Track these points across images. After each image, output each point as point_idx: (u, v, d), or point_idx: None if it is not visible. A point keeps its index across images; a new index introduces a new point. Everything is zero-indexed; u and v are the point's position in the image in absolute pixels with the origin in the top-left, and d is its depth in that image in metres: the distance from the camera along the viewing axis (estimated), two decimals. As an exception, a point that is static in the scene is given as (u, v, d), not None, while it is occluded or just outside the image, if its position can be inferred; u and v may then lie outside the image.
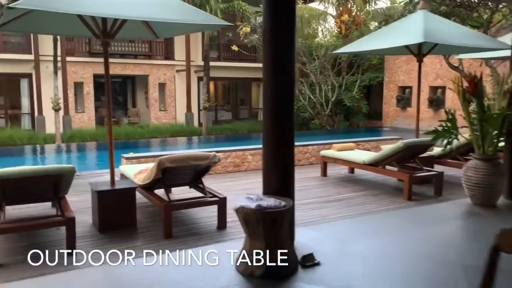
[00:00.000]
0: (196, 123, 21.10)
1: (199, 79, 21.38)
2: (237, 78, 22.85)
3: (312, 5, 18.83)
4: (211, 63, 19.74)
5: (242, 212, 2.74)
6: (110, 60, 18.40)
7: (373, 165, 6.67)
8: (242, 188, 6.79)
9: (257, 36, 17.06)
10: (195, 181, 5.22)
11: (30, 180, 4.05)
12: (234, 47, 17.92)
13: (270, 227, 2.71)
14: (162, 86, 20.97)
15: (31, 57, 17.21)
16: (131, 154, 7.29)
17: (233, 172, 8.01)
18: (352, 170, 7.88)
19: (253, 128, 21.24)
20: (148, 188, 5.05)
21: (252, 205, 2.71)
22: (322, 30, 17.26)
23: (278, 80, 3.16)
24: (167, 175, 4.74)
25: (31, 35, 17.16)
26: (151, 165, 6.09)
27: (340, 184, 7.03)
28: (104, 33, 4.63)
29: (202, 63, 20.64)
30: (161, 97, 21.08)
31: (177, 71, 20.96)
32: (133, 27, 5.25)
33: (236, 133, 20.22)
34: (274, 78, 3.17)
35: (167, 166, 4.61)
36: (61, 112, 16.71)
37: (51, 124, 16.87)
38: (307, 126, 21.03)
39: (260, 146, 8.68)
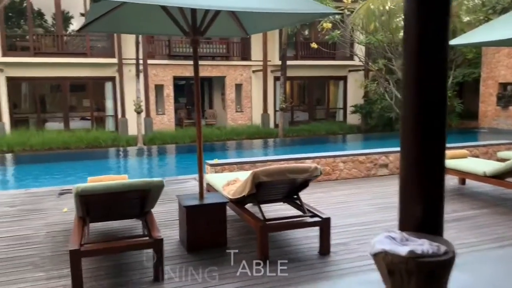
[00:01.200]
0: (272, 124, 20.62)
1: (276, 79, 20.88)
2: (314, 76, 22.04)
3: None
4: (288, 62, 19.14)
5: (386, 259, 2.03)
6: (188, 62, 18.53)
7: (497, 177, 5.59)
8: (336, 201, 6.06)
9: (338, 32, 16.10)
10: (291, 196, 4.58)
11: (115, 196, 3.66)
12: (314, 45, 17.12)
13: (426, 282, 1.97)
14: (238, 87, 20.75)
15: (115, 60, 17.75)
16: (216, 161, 6.84)
17: (323, 181, 7.27)
18: (463, 181, 6.80)
19: (331, 129, 20.33)
20: (239, 202, 4.50)
21: (401, 250, 1.98)
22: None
23: (427, 72, 2.33)
24: (262, 189, 4.15)
25: (115, 39, 17.70)
26: (238, 175, 5.58)
27: (453, 199, 6.02)
28: (194, 30, 4.14)
29: (279, 62, 20.11)
30: (238, 98, 20.87)
31: (254, 71, 20.61)
32: (222, 22, 4.73)
33: (314, 135, 19.45)
34: (422, 69, 2.33)
35: (263, 181, 4.02)
36: (143, 114, 17.05)
37: (134, 126, 17.29)
38: (391, 127, 19.65)
39: (351, 152, 7.90)
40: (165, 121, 19.43)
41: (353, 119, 21.88)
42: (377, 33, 15.31)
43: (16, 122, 17.36)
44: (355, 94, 22.09)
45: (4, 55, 16.45)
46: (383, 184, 7.08)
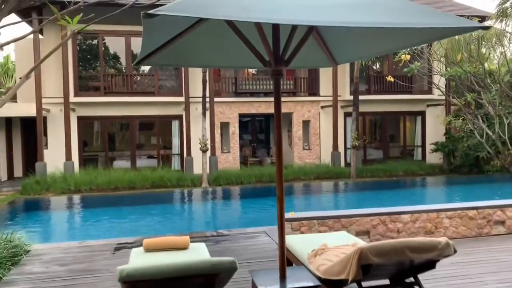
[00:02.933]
0: (342, 163, 19.22)
1: (346, 114, 19.64)
2: (388, 112, 20.50)
3: (488, 23, 15.82)
4: (360, 97, 17.89)
5: None
6: (254, 99, 17.91)
7: None
8: (447, 273, 4.64)
9: (418, 64, 14.67)
10: (405, 279, 3.35)
11: (172, 283, 2.67)
12: (390, 78, 15.80)
13: None
14: (306, 123, 19.74)
15: (182, 99, 17.56)
16: (292, 214, 5.74)
17: (424, 241, 5.87)
18: None
19: (410, 169, 18.51)
20: (334, 284, 3.34)
21: None
22: (502, 52, 14.07)
23: None
24: (370, 272, 2.98)
25: (183, 78, 17.58)
26: (325, 238, 4.44)
27: None
28: (276, 59, 3.19)
29: (349, 97, 18.93)
30: (305, 135, 19.82)
31: (322, 107, 19.55)
32: (307, 49, 3.76)
33: (390, 175, 17.75)
34: None
35: (373, 262, 2.85)
36: (208, 153, 16.50)
37: (199, 164, 16.75)
38: (478, 167, 17.45)
39: (458, 205, 6.41)
40: (230, 159, 18.77)
41: (434, 158, 19.87)
42: (464, 64, 13.71)
43: (85, 161, 17.53)
44: (434, 131, 20.17)
45: (76, 95, 16.83)
46: (506, 249, 5.56)
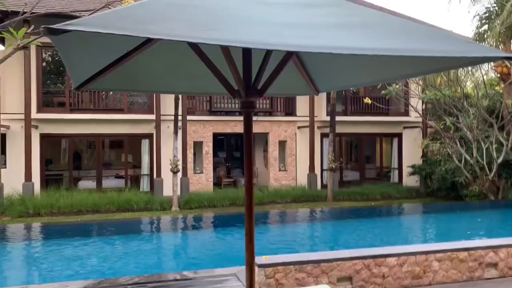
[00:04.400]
0: (319, 185, 18.70)
1: (323, 135, 19.23)
2: (365, 133, 20.21)
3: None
4: (336, 118, 17.51)
5: None
6: (229, 118, 17.22)
7: None
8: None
9: (397, 86, 14.41)
10: None
11: None
12: (367, 100, 15.50)
13: None
14: (282, 144, 19.19)
15: (152, 117, 16.76)
16: (265, 258, 5.06)
17: (412, 287, 5.30)
18: None
19: (387, 192, 18.13)
20: None
21: None
22: (480, 77, 13.98)
23: None
24: None
25: (154, 95, 16.78)
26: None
27: None
28: (247, 88, 2.56)
29: (326, 118, 18.56)
30: (281, 156, 19.25)
31: (299, 127, 19.07)
32: (285, 76, 3.15)
33: (367, 199, 17.31)
34: None
35: None
36: (179, 174, 15.68)
37: (169, 186, 15.90)
38: (456, 192, 17.21)
39: (447, 246, 5.78)
40: (203, 180, 17.97)
41: (410, 180, 19.60)
42: (443, 87, 13.51)
43: (47, 181, 16.40)
44: (411, 153, 19.96)
45: (39, 111, 15.80)
46: (502, 298, 5.02)
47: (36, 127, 15.74)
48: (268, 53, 2.68)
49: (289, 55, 2.64)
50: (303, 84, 3.62)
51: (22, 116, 15.32)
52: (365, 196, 17.58)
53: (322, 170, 19.24)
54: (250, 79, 2.61)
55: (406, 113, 19.87)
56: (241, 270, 6.05)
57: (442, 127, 14.70)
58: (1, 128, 14.81)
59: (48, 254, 9.49)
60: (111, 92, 17.52)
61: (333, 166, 16.83)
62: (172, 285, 5.53)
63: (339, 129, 18.06)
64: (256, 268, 4.94)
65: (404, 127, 20.21)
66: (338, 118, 17.82)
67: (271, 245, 10.29)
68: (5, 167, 15.46)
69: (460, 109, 14.43)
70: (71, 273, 7.93)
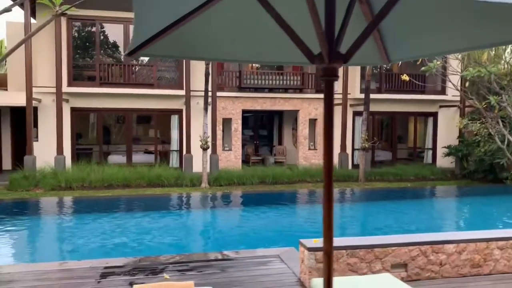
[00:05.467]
0: (350, 165, 18.25)
1: (355, 113, 18.66)
2: (398, 112, 19.52)
3: None
4: (370, 96, 16.88)
5: None
6: (259, 94, 16.82)
7: None
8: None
9: (438, 63, 13.67)
10: None
11: None
12: (405, 77, 14.79)
13: None
14: (312, 122, 18.74)
15: (182, 92, 16.52)
16: (315, 241, 4.75)
17: (471, 276, 4.93)
18: None
19: (421, 173, 17.54)
20: None
21: None
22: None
23: None
24: None
25: (184, 69, 16.51)
26: (362, 283, 3.49)
27: None
28: (331, 52, 2.19)
29: (359, 95, 17.96)
30: (311, 135, 18.83)
31: (331, 105, 18.49)
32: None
33: (400, 179, 16.79)
34: None
35: None
36: (209, 151, 15.50)
37: (198, 162, 15.79)
38: (494, 175, 16.49)
39: (509, 233, 5.42)
40: (232, 157, 17.77)
41: (444, 162, 18.92)
42: (489, 65, 12.70)
43: (78, 155, 16.49)
44: (446, 134, 19.23)
45: (70, 85, 15.76)
46: None
47: (67, 100, 15.74)
48: (350, 10, 2.32)
49: (380, 18, 2.25)
50: (375, 52, 3.21)
51: (53, 90, 15.31)
52: (398, 176, 17.06)
53: (353, 149, 18.77)
54: (333, 42, 2.24)
55: (443, 92, 19.03)
56: (284, 251, 5.80)
57: (484, 106, 13.95)
58: (33, 102, 14.83)
59: (84, 228, 9.48)
60: (138, 67, 17.35)
61: (366, 145, 16.32)
62: (213, 264, 5.32)
63: (371, 107, 17.44)
64: (306, 252, 4.66)
65: (440, 106, 19.42)
66: (372, 96, 17.19)
67: (306, 225, 10.03)
68: (37, 140, 15.57)
69: (504, 87, 13.59)
70: (109, 248, 7.87)
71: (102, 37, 16.93)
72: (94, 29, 16.62)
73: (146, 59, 17.61)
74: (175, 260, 5.45)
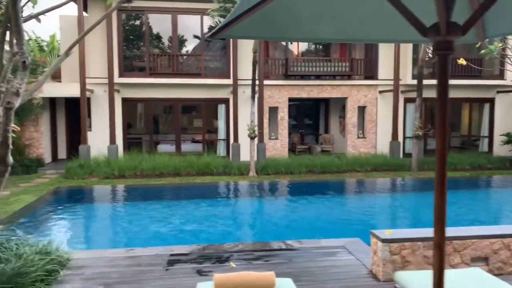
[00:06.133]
0: (401, 154, 17.64)
1: (406, 100, 17.98)
2: (452, 98, 18.59)
3: None
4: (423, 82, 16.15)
5: None
6: (305, 82, 16.48)
7: None
8: None
9: (500, 45, 12.85)
10: None
11: None
12: (462, 61, 14.00)
13: None
14: (361, 109, 18.23)
15: (229, 81, 16.48)
16: (388, 233, 4.53)
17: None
18: None
19: (477, 162, 16.69)
20: None
21: None
22: None
23: None
24: None
25: (231, 58, 16.43)
26: (449, 277, 3.26)
27: None
28: (448, 24, 1.97)
29: (410, 81, 17.26)
30: (360, 123, 18.34)
31: (380, 91, 17.95)
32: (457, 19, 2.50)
33: (455, 169, 16.03)
34: None
35: None
36: (256, 139, 15.42)
37: (245, 151, 15.77)
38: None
39: None
40: (278, 146, 17.62)
41: (502, 150, 17.92)
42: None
43: (128, 144, 16.89)
44: (504, 120, 18.19)
45: (120, 75, 16.10)
46: None
47: (118, 91, 16.09)
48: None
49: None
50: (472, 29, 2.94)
51: (104, 81, 15.68)
52: (452, 166, 16.30)
53: (404, 137, 18.13)
54: (449, 12, 2.02)
55: (501, 76, 17.98)
56: (349, 242, 5.62)
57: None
58: (87, 92, 15.27)
59: (145, 215, 9.66)
60: (183, 57, 17.45)
61: (420, 133, 15.70)
62: (278, 254, 5.21)
63: (423, 94, 16.70)
64: (379, 243, 4.45)
65: (498, 92, 18.36)
66: (424, 81, 16.45)
67: (366, 216, 9.75)
68: (90, 130, 16.06)
69: None
70: (169, 235, 7.96)
71: (149, 28, 17.12)
72: (142, 20, 16.84)
73: (191, 49, 17.71)
74: (238, 249, 5.39)
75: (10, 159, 3.63)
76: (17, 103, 3.39)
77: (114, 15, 15.72)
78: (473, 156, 17.34)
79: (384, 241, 4.37)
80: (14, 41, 3.42)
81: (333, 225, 8.45)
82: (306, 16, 2.77)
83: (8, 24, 3.64)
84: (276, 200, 12.34)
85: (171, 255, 5.17)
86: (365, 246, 5.43)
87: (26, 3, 4.07)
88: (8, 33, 3.82)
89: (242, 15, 2.54)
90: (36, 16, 4.46)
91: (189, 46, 17.87)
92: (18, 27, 3.04)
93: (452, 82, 17.57)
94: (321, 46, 20.39)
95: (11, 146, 3.56)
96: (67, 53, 4.59)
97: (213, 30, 2.65)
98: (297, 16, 2.78)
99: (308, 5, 2.72)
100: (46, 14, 4.72)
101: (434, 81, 17.49)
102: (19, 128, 6.33)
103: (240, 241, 6.09)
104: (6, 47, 3.88)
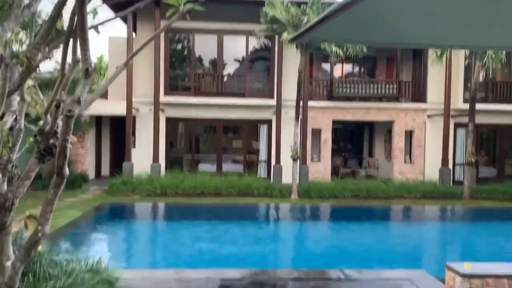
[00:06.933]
0: (450, 181, 16.73)
1: (456, 125, 17.15)
2: (504, 124, 17.64)
3: None
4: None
5: None
6: (350, 104, 16.06)
7: None
8: None
9: None
10: None
11: None
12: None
13: None
14: (408, 134, 17.54)
15: (273, 102, 16.29)
16: (467, 266, 4.04)
17: None
18: None
19: (538, 193, 15.52)
20: None
21: None
22: None
23: None
24: None
25: (275, 78, 16.27)
26: None
27: None
28: None
29: (462, 106, 16.49)
30: (407, 147, 17.62)
31: (429, 116, 17.23)
32: None
33: (511, 198, 14.98)
34: None
35: None
36: (298, 161, 15.03)
37: (287, 173, 15.39)
38: None
39: None
40: (320, 169, 17.15)
41: None
42: None
43: (171, 163, 16.91)
44: None
45: (166, 94, 16.24)
46: None
47: (163, 110, 16.22)
48: None
49: None
50: None
51: (149, 99, 15.83)
52: (508, 195, 15.25)
53: (454, 164, 17.23)
54: None
55: (562, 101, 16.90)
56: (416, 274, 5.11)
57: None
58: (133, 111, 15.47)
59: (187, 235, 9.44)
60: (230, 77, 17.44)
61: (472, 160, 14.84)
62: (338, 285, 4.78)
63: (476, 119, 15.87)
64: (457, 277, 3.96)
65: None
66: (477, 106, 15.64)
67: (413, 244, 9.12)
68: (134, 148, 16.19)
69: None
70: (215, 255, 7.68)
71: (195, 48, 17.27)
72: (189, 40, 17.05)
73: (232, 71, 17.69)
74: (294, 276, 5.00)
75: (67, 171, 3.47)
76: (77, 112, 3.24)
77: (162, 36, 15.99)
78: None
79: (463, 276, 3.88)
80: (78, 48, 3.29)
81: (393, 254, 7.91)
82: (401, 19, 2.46)
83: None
84: (322, 225, 11.84)
85: (222, 279, 4.85)
86: (432, 280, 4.91)
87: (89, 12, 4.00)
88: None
89: (325, 18, 2.28)
90: (96, 27, 4.40)
91: (233, 67, 17.90)
92: (83, 32, 2.88)
93: (506, 107, 16.71)
94: (366, 68, 19.97)
95: (68, 157, 3.40)
96: (126, 64, 4.47)
97: (297, 33, 2.40)
98: (390, 19, 2.48)
99: (401, 8, 2.42)
100: (99, 31, 4.67)
101: (487, 106, 16.68)
102: (76, 139, 6.28)
103: (294, 268, 5.69)
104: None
